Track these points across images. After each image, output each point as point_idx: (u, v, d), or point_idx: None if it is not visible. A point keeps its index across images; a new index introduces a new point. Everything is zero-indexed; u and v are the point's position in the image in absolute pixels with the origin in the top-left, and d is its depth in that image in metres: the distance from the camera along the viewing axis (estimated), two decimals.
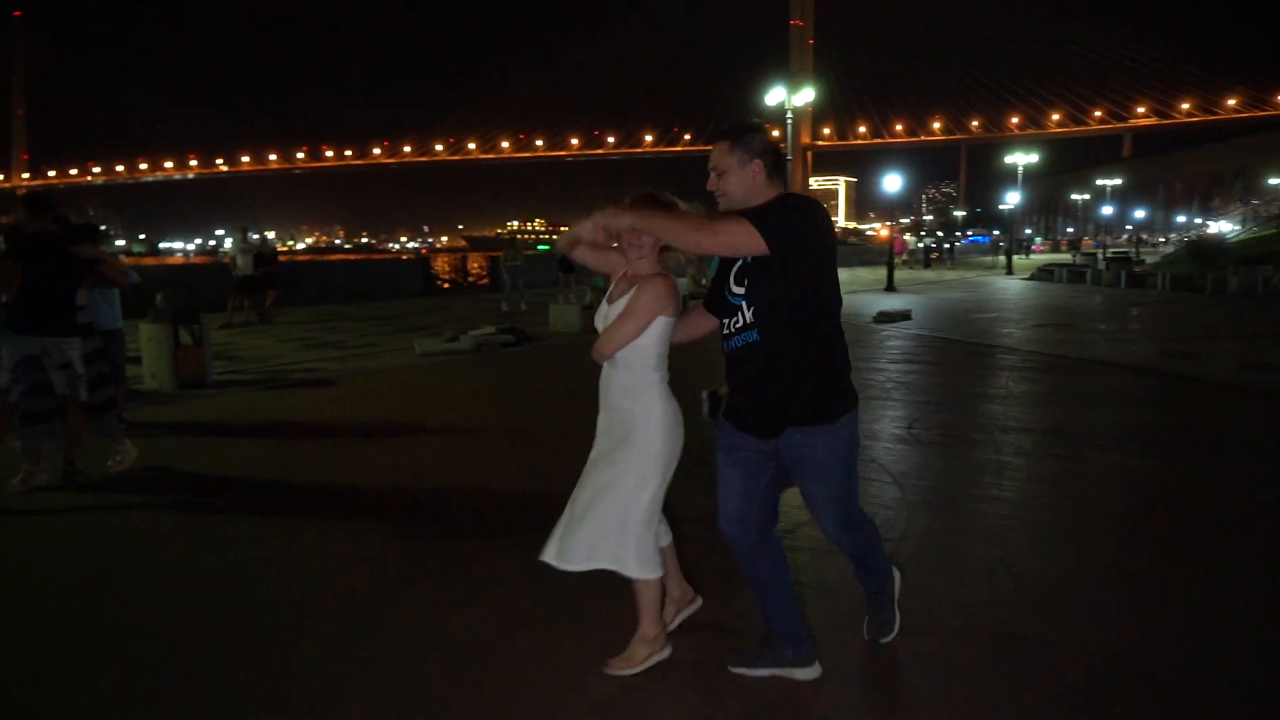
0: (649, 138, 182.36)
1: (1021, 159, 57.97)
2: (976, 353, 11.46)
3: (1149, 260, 35.39)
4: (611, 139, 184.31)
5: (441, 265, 51.27)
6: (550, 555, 2.87)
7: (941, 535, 4.47)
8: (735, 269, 2.68)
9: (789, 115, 35.64)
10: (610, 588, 3.17)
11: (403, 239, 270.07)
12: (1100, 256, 34.38)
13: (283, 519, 4.81)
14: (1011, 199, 61.57)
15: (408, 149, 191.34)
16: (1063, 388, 8.99)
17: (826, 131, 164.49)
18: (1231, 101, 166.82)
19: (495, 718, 2.78)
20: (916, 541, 4.33)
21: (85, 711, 2.85)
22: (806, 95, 34.39)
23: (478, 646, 3.23)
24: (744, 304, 2.65)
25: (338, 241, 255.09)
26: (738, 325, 2.68)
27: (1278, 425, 7.25)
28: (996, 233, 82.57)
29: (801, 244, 2.57)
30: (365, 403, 8.44)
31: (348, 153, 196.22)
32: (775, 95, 34.35)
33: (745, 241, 2.51)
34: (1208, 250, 28.10)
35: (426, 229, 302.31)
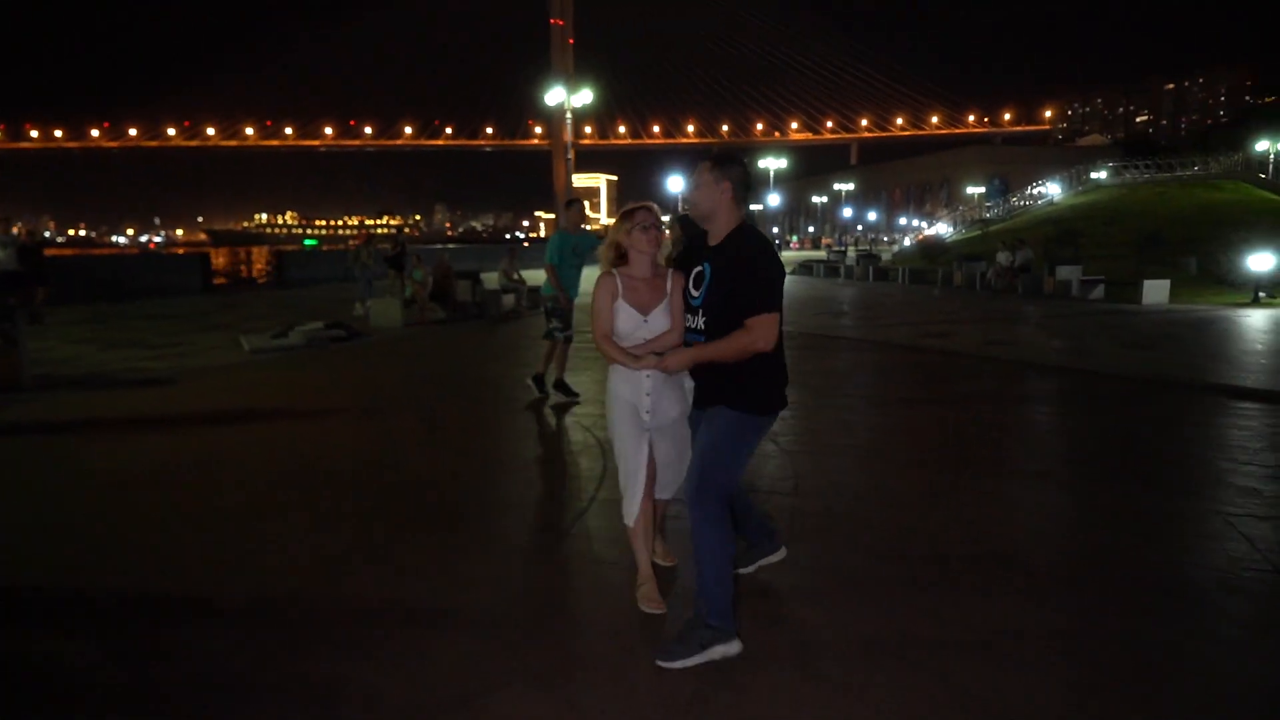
0: (409, 129, 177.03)
1: (773, 163, 63.37)
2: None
3: (850, 255, 39.78)
4: (369, 129, 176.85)
5: (221, 261, 47.35)
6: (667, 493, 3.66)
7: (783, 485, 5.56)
8: (694, 273, 3.30)
9: (568, 114, 36.85)
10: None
11: (130, 232, 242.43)
12: (849, 254, 38.63)
13: (265, 499, 5.01)
14: (773, 200, 66.73)
15: (133, 131, 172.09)
16: (855, 363, 10.67)
17: (588, 130, 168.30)
18: (935, 119, 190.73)
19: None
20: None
21: None
22: (585, 96, 35.74)
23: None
24: (700, 309, 3.25)
25: (47, 234, 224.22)
26: (690, 325, 3.32)
27: (1007, 381, 9.20)
28: (775, 230, 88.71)
29: (778, 282, 3.18)
30: (225, 396, 8.33)
31: (57, 133, 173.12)
32: (559, 93, 35.35)
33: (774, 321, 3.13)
34: (934, 249, 32.58)
35: (158, 221, 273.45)
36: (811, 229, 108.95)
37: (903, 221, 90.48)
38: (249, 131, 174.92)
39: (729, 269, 3.12)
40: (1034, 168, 69.04)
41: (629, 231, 3.40)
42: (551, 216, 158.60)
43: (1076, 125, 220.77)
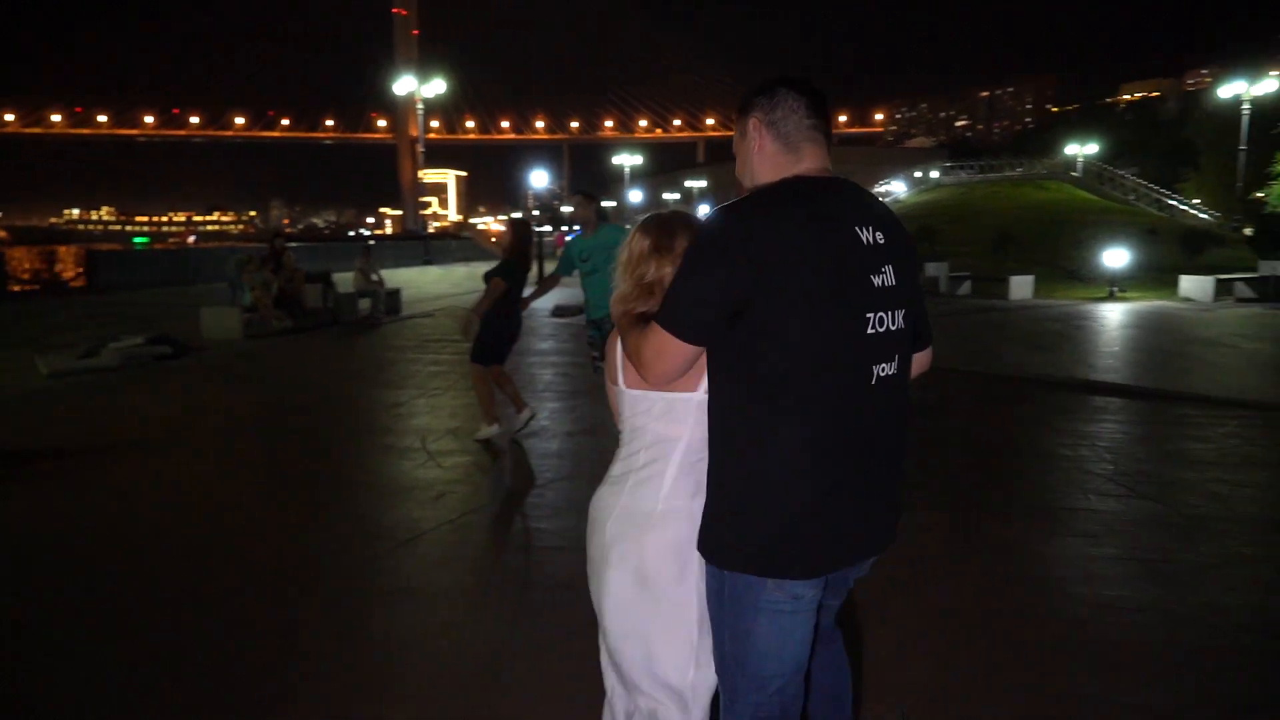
0: (240, 120, 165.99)
1: (629, 160, 62.92)
2: None
3: None
4: (195, 119, 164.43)
5: (25, 263, 41.60)
6: None
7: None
8: None
9: (419, 106, 34.89)
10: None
11: None
12: None
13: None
14: (634, 196, 66.40)
15: None
16: None
17: (435, 125, 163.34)
18: None
19: None
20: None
21: None
22: (436, 87, 33.84)
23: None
24: None
25: None
26: None
27: (943, 386, 8.70)
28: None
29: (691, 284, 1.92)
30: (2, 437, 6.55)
31: None
32: (405, 84, 33.31)
33: None
34: None
35: None
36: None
37: None
38: (55, 118, 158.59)
39: None
40: (870, 167, 72.12)
41: (662, 262, 1.88)
42: (399, 213, 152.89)
43: (904, 128, 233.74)
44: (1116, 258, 18.32)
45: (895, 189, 50.71)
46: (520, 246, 6.31)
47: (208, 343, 11.71)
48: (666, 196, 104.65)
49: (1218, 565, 4.06)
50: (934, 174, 51.56)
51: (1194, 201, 44.79)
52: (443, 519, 4.75)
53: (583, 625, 3.32)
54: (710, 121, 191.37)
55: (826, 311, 1.59)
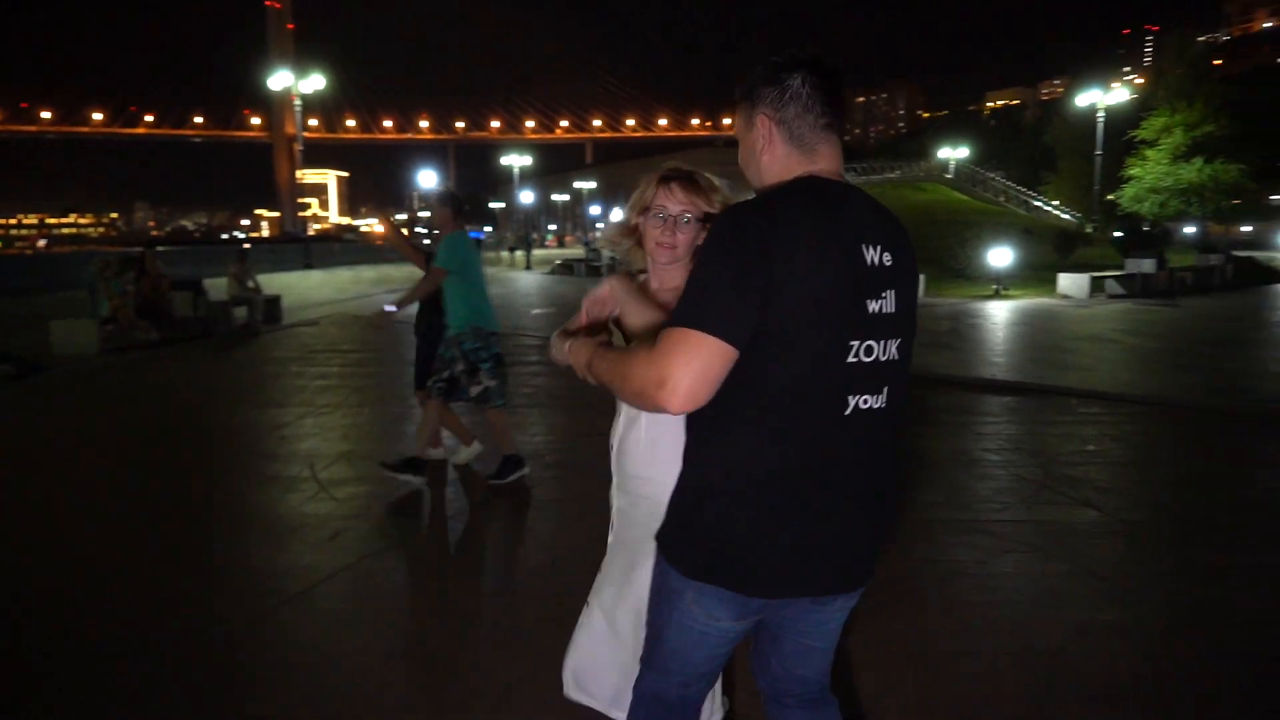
0: (98, 116, 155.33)
1: (517, 160, 61.96)
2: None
3: (606, 254, 39.81)
4: (47, 114, 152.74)
5: None
6: None
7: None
8: None
9: (297, 103, 33.14)
10: None
11: None
12: (604, 252, 38.13)
13: None
14: (525, 197, 65.47)
15: None
16: None
17: (314, 123, 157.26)
18: (663, 121, 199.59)
19: None
20: None
21: None
22: (316, 83, 32.19)
23: None
24: None
25: None
26: None
27: None
28: (489, 230, 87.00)
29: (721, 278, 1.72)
30: None
31: None
32: (281, 80, 31.57)
33: None
34: None
35: None
36: (553, 227, 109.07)
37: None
38: None
39: None
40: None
41: (643, 212, 2.01)
42: (276, 215, 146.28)
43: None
44: (1000, 257, 18.96)
45: None
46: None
47: (59, 359, 10.49)
48: (556, 198, 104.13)
49: (1174, 574, 3.92)
50: None
51: (1054, 203, 47.36)
52: (339, 563, 4.16)
53: (520, 685, 2.86)
54: (598, 123, 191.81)
55: (811, 332, 1.45)
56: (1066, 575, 3.94)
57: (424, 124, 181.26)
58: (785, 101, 1.58)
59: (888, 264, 1.54)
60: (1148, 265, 20.27)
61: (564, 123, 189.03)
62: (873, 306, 1.50)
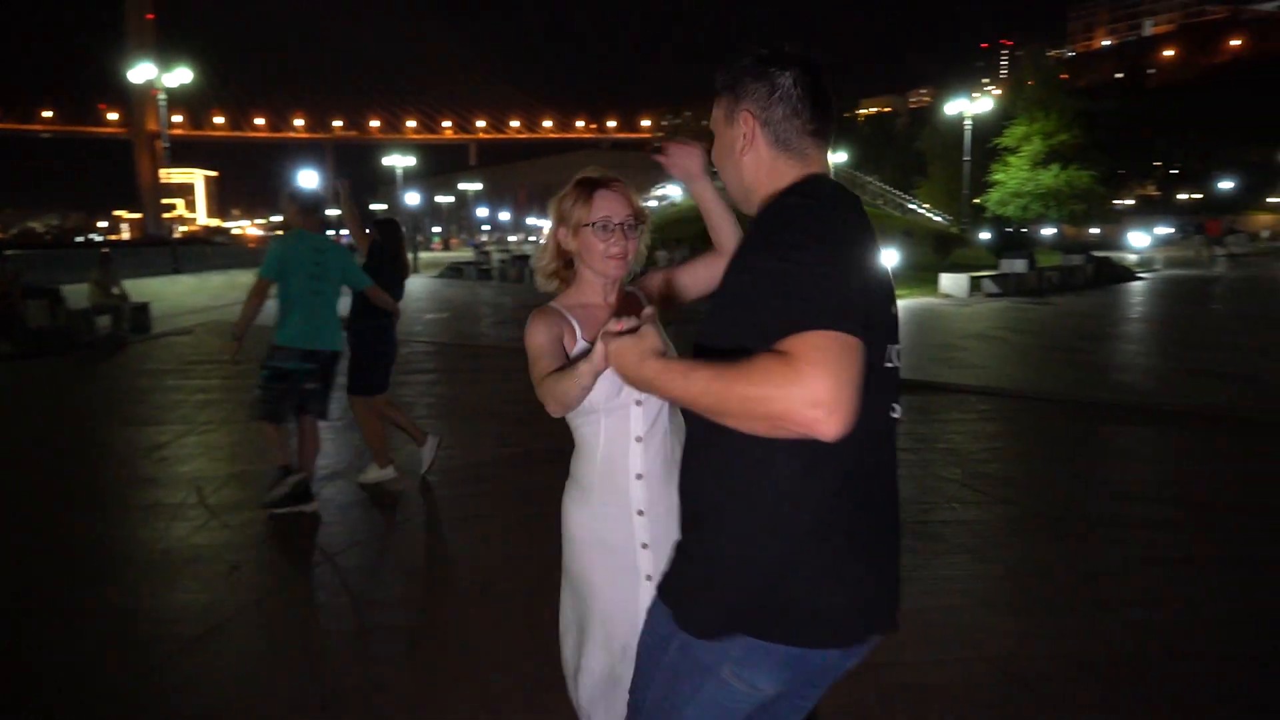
0: None
1: (400, 161, 60.17)
2: (489, 354, 11.30)
3: (496, 257, 38.85)
4: None
5: None
6: None
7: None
8: None
9: (161, 98, 31.05)
10: None
11: None
12: (493, 255, 37.36)
13: None
14: (411, 199, 63.63)
15: None
16: None
17: (179, 119, 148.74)
18: (548, 123, 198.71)
19: None
20: None
21: None
22: (182, 76, 30.19)
23: None
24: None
25: None
26: None
27: None
28: (369, 231, 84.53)
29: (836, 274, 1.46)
30: None
31: None
32: (142, 72, 29.53)
33: None
34: None
35: None
36: (438, 230, 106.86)
37: (530, 221, 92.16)
38: None
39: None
40: (641, 171, 74.33)
41: (578, 228, 1.85)
42: (138, 216, 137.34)
43: (671, 135, 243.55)
44: (887, 257, 19.55)
45: (672, 193, 52.17)
46: (392, 250, 5.41)
47: None
48: (440, 199, 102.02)
49: (1117, 573, 3.99)
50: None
51: (926, 206, 49.56)
52: (242, 601, 3.77)
53: None
54: (481, 124, 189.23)
55: (869, 334, 1.23)
56: (1005, 577, 3.95)
57: (299, 122, 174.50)
58: (773, 101, 1.43)
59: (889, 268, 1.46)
60: (1020, 265, 21.33)
61: (447, 123, 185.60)
62: (892, 309, 1.42)
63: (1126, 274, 26.37)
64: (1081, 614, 3.56)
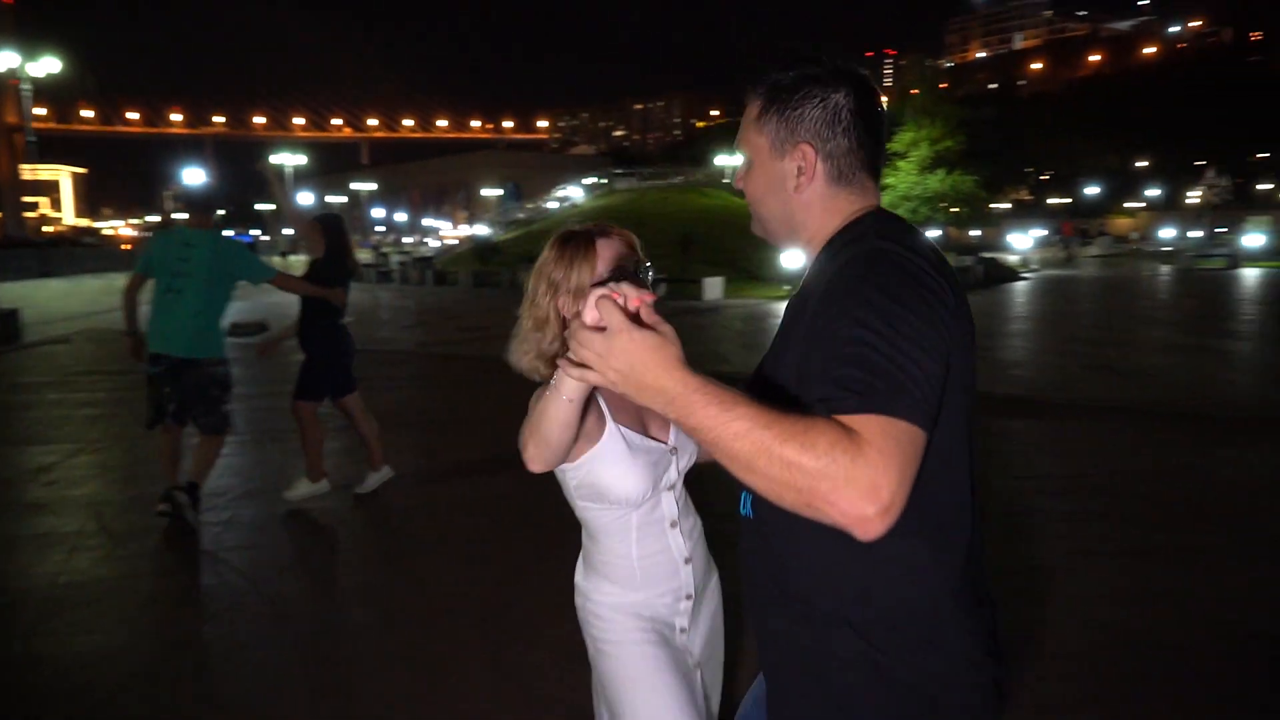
0: None
1: (290, 159, 57.87)
2: (403, 361, 10.86)
3: (395, 259, 37.96)
4: None
5: None
6: None
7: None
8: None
9: (25, 88, 28.88)
10: None
11: None
12: (391, 257, 36.41)
13: None
14: (304, 199, 61.08)
15: None
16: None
17: (41, 113, 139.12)
18: (443, 123, 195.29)
19: None
20: None
21: None
22: (49, 65, 28.08)
23: None
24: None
25: None
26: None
27: None
28: (256, 233, 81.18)
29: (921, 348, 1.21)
30: None
31: None
32: (2, 61, 27.32)
33: None
34: (486, 250, 32.18)
35: None
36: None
37: (427, 222, 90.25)
38: None
39: (804, 314, 1.22)
40: (540, 173, 73.72)
41: (584, 291, 1.52)
42: None
43: (568, 136, 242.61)
44: (793, 258, 20.03)
45: (573, 194, 51.99)
46: (335, 247, 5.05)
47: None
48: (332, 199, 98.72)
49: (1062, 567, 4.08)
50: (604, 180, 53.72)
51: None
52: (162, 641, 3.43)
53: None
54: (373, 122, 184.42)
55: (964, 398, 1.18)
56: None
57: (177, 117, 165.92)
58: (836, 133, 1.27)
59: None
60: None
61: (337, 121, 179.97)
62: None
63: (1012, 274, 27.78)
64: (1036, 607, 3.62)
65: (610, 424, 1.58)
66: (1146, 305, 20.18)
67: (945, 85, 53.75)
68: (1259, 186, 67.45)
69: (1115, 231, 55.55)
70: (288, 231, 63.15)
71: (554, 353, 1.58)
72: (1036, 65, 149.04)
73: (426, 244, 63.49)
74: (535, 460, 1.42)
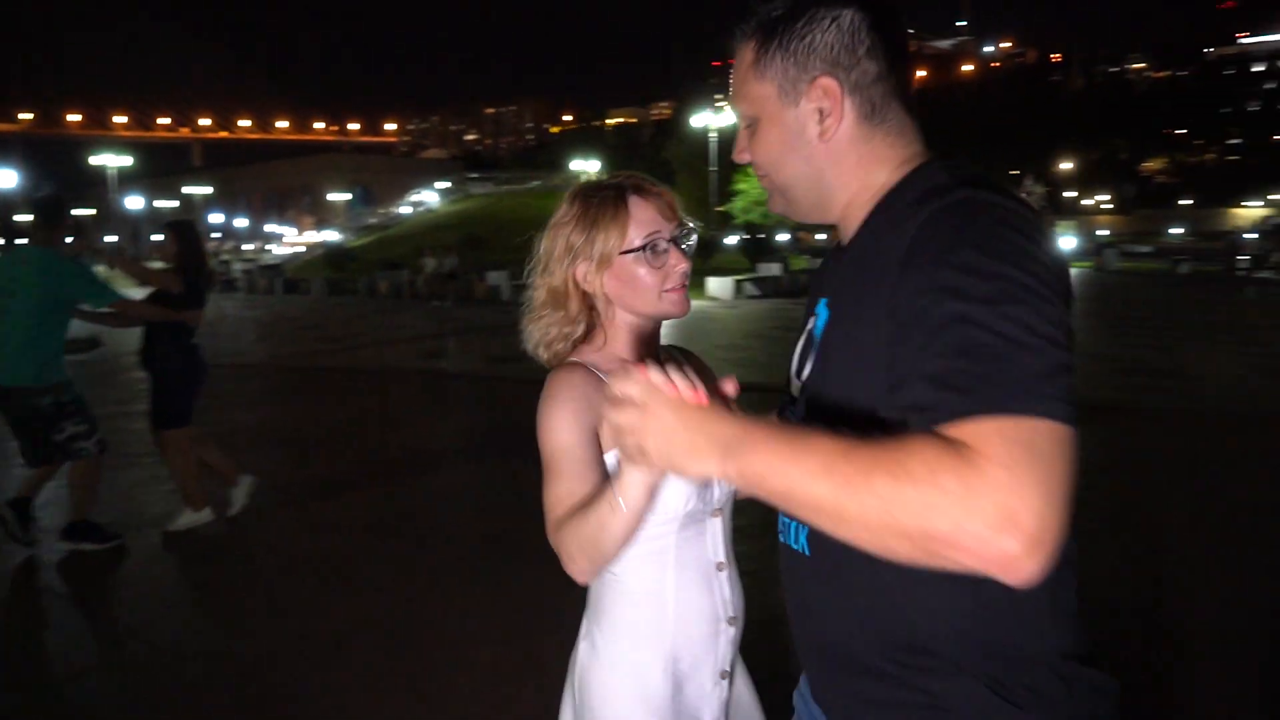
0: None
1: (113, 160, 53.59)
2: (258, 374, 10.22)
3: (237, 267, 36.10)
4: None
5: None
6: None
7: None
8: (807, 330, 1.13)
9: None
10: None
11: None
12: (233, 266, 34.29)
13: None
14: (133, 203, 56.76)
15: None
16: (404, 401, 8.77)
17: None
18: (283, 124, 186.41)
19: None
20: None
21: None
22: None
23: None
24: (798, 401, 1.13)
25: None
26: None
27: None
28: (70, 240, 74.90)
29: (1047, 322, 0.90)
30: None
31: None
32: None
33: None
34: (340, 257, 30.89)
35: None
36: (159, 238, 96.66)
37: (270, 228, 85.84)
38: None
39: (858, 305, 0.97)
40: (390, 177, 71.85)
41: (608, 259, 1.29)
42: None
43: (418, 139, 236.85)
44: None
45: (429, 199, 50.80)
46: (191, 254, 4.64)
47: None
48: (161, 204, 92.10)
49: None
50: (459, 185, 52.85)
51: None
52: (31, 695, 3.06)
53: None
54: (205, 122, 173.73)
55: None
56: None
57: None
58: (859, 57, 1.00)
59: None
60: (776, 269, 23.03)
61: (164, 119, 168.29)
62: None
63: None
64: None
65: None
66: None
67: None
68: (1064, 194, 74.33)
69: None
70: (111, 239, 58.43)
71: (579, 335, 1.33)
72: None
73: (270, 251, 60.39)
74: (586, 574, 1.15)
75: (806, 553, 1.04)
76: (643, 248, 1.28)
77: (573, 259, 1.30)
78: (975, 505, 0.71)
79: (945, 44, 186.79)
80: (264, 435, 7.07)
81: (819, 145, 1.03)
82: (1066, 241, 46.73)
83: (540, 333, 1.34)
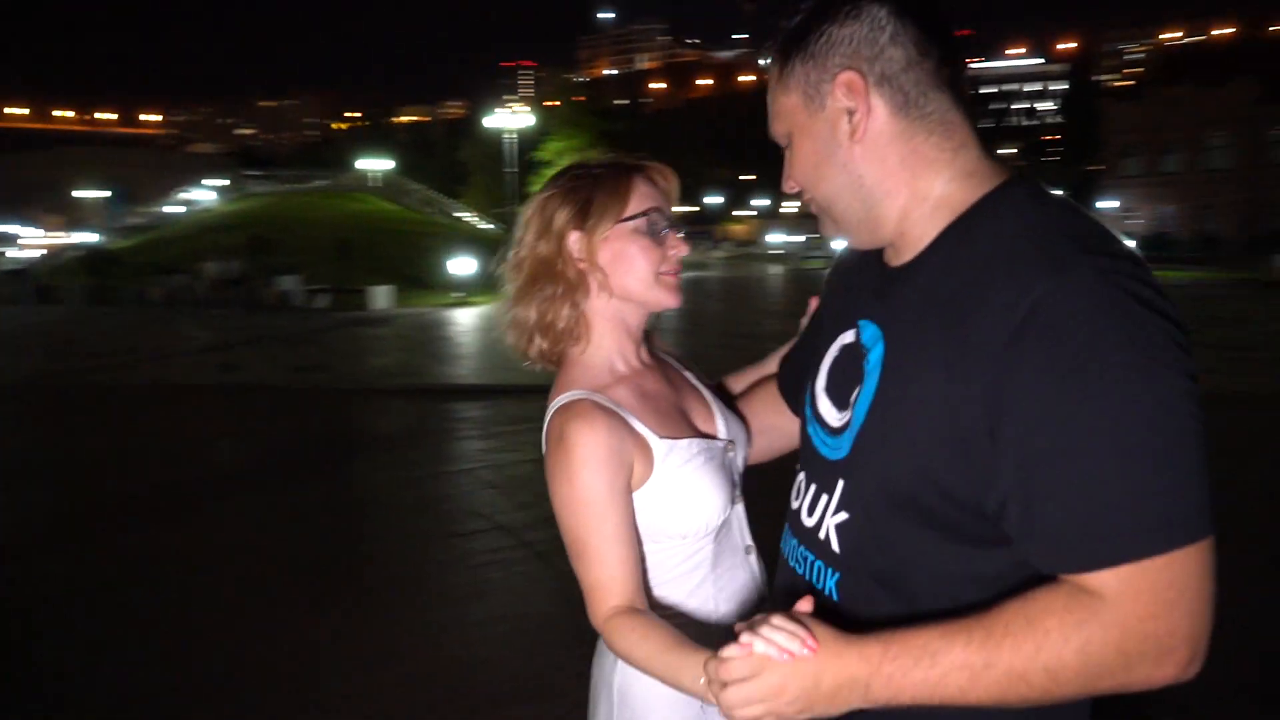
0: None
1: None
2: (19, 397, 9.17)
3: None
4: None
5: None
6: None
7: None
8: (829, 357, 1.07)
9: None
10: None
11: None
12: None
13: None
14: None
15: None
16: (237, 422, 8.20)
17: None
18: (17, 110, 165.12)
19: None
20: None
21: None
22: None
23: None
24: (840, 468, 1.00)
25: None
26: (808, 522, 1.04)
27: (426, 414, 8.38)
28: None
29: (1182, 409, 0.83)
30: None
31: None
32: None
33: None
34: (101, 261, 27.97)
35: None
36: None
37: (3, 230, 76.06)
38: None
39: (957, 355, 0.85)
40: (153, 173, 65.94)
41: (600, 231, 1.18)
42: None
43: (185, 133, 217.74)
44: (463, 265, 20.07)
45: (204, 198, 46.92)
46: None
47: None
48: None
49: None
50: (236, 182, 49.32)
51: (471, 213, 51.47)
52: None
53: None
54: None
55: None
56: None
57: None
58: (882, 44, 0.91)
59: None
60: None
61: None
62: None
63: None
64: None
65: (659, 443, 1.16)
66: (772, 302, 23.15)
67: (583, 99, 56.74)
68: None
69: (734, 237, 62.84)
70: None
71: (570, 329, 1.21)
72: (659, 85, 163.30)
73: (4, 254, 53.35)
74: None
75: (835, 598, 0.97)
76: (644, 214, 1.19)
77: (566, 224, 1.19)
78: (1133, 669, 0.75)
79: (726, 54, 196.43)
80: (35, 464, 6.45)
81: (853, 147, 0.93)
82: (841, 242, 50.41)
83: (536, 314, 1.21)
